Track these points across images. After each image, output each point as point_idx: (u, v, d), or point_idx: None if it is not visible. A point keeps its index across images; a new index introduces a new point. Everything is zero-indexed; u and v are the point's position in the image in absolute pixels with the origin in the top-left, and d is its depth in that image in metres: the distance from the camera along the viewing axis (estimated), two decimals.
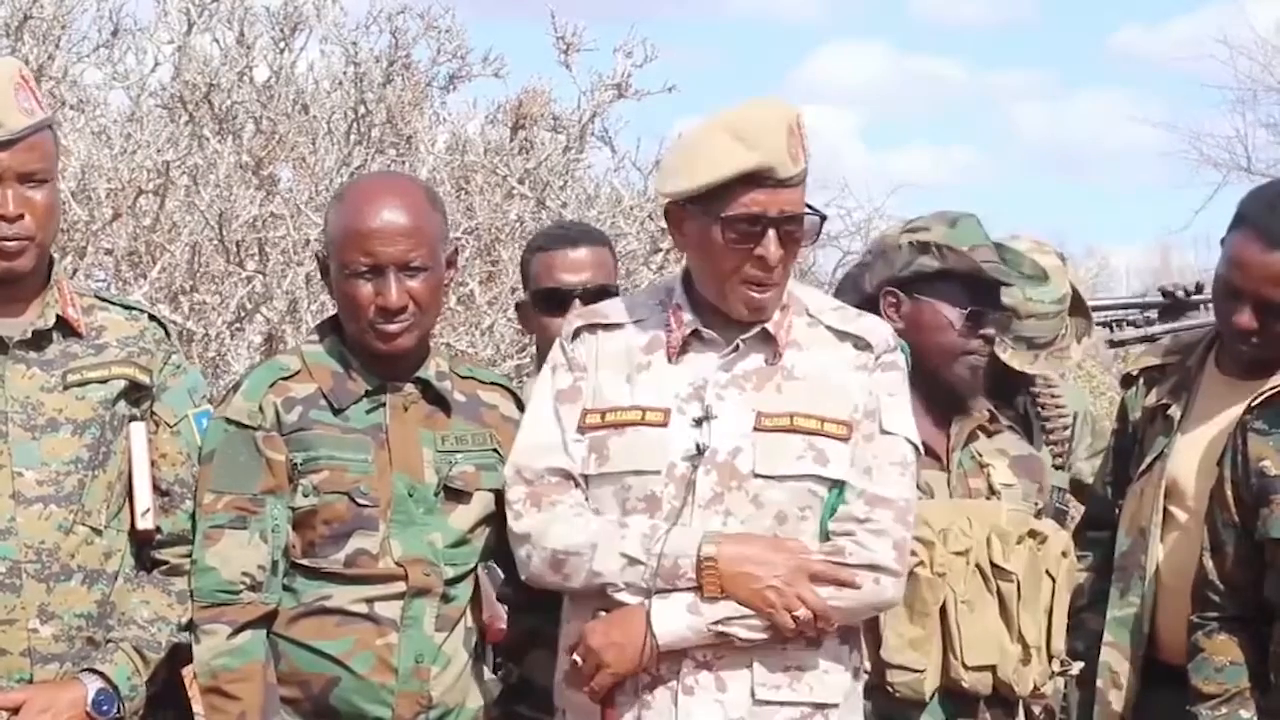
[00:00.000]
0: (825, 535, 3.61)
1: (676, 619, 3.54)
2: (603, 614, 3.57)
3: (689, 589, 3.54)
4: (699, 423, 3.60)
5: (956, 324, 4.20)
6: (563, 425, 3.66)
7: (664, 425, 3.61)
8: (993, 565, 4.07)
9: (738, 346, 3.65)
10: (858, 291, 4.28)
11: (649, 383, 3.65)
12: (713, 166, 3.55)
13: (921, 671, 4.03)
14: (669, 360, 3.66)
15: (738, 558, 3.54)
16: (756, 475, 3.59)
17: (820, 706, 3.61)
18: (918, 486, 3.74)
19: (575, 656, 3.58)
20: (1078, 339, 4.92)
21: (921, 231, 4.23)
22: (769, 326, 3.65)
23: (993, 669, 4.07)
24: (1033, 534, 4.14)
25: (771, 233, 3.57)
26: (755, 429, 3.60)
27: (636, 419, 3.63)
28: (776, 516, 3.59)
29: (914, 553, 3.80)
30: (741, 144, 3.54)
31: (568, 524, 3.60)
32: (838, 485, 3.61)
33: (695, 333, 3.66)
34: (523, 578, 3.66)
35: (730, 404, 3.62)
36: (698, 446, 3.58)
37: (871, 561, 3.59)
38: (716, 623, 3.54)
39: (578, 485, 3.64)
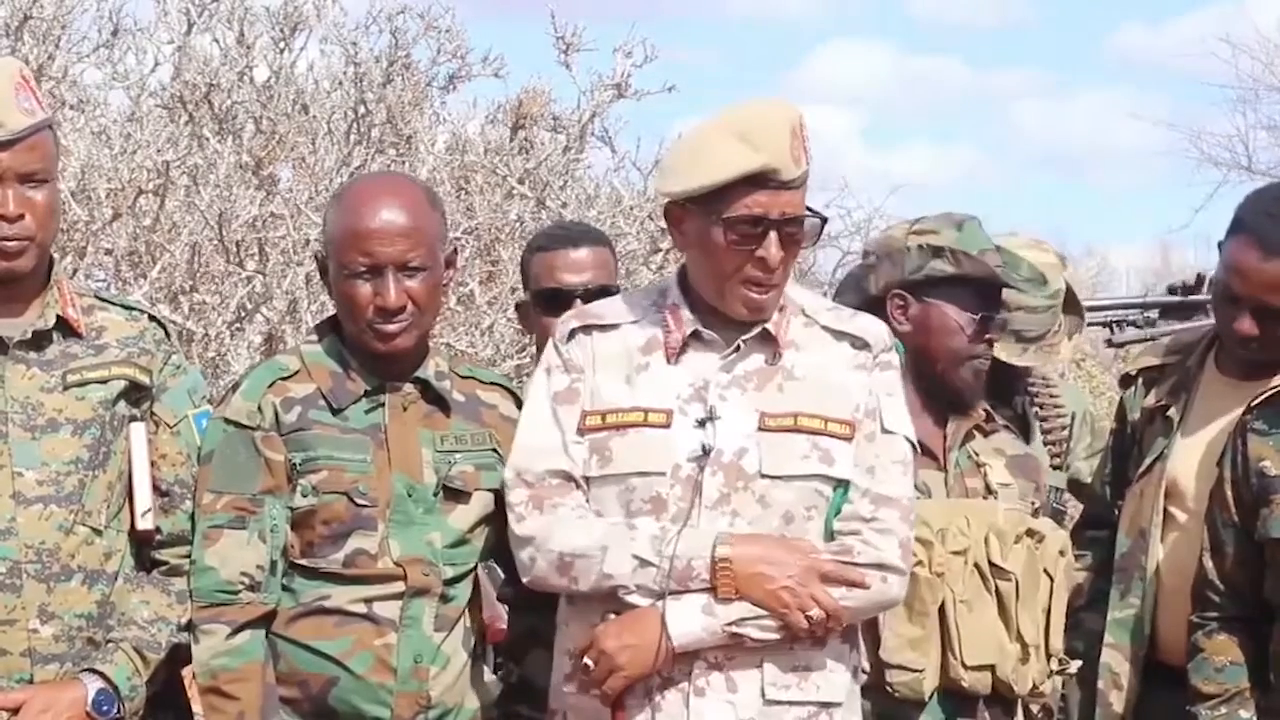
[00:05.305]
0: (830, 535, 3.62)
1: (691, 620, 3.53)
2: (612, 617, 3.56)
3: (701, 590, 3.54)
4: (703, 423, 3.59)
5: (966, 328, 4.20)
6: (562, 427, 3.65)
7: (667, 426, 3.60)
8: (991, 565, 4.08)
9: (739, 347, 3.64)
10: (859, 292, 4.27)
11: (649, 384, 3.64)
12: (715, 167, 3.54)
13: (920, 671, 4.03)
14: (668, 361, 3.66)
15: (751, 559, 3.53)
16: (763, 475, 3.58)
17: (826, 705, 3.61)
18: (915, 486, 3.74)
19: (587, 660, 3.57)
20: (1069, 336, 4.92)
21: (930, 235, 4.22)
22: (769, 327, 3.65)
23: (991, 668, 4.07)
24: (1030, 533, 4.14)
25: (773, 234, 3.56)
26: (759, 429, 3.60)
27: (638, 420, 3.62)
28: (784, 517, 3.59)
29: (913, 552, 3.80)
30: (745, 145, 3.53)
31: (572, 526, 3.59)
32: (842, 485, 3.62)
33: (695, 333, 3.66)
34: (525, 580, 3.65)
35: (733, 404, 3.62)
36: (703, 447, 3.58)
37: (879, 561, 3.59)
38: (731, 624, 3.54)
39: (579, 487, 3.63)
